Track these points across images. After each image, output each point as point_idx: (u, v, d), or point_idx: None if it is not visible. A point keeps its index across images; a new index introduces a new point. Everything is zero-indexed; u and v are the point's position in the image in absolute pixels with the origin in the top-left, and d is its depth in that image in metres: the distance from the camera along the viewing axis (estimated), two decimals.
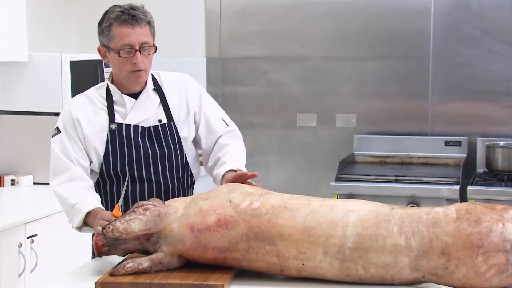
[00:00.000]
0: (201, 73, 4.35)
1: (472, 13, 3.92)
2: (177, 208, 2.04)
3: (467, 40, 3.93)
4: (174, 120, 2.40)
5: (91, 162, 2.34)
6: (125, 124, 2.35)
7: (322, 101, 4.26)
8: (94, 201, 2.24)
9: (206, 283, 1.90)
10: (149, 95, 2.40)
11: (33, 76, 3.59)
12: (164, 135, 2.38)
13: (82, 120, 2.35)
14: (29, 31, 3.70)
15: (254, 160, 4.31)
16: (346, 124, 4.19)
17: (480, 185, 3.52)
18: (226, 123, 2.48)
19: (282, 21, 4.27)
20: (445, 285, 1.86)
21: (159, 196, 2.35)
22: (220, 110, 2.53)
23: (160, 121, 2.39)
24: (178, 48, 4.38)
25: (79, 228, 2.25)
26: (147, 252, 2.04)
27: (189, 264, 2.02)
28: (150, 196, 2.35)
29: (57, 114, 3.57)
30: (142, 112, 2.37)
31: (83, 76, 3.72)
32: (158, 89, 2.42)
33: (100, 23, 2.35)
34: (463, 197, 3.48)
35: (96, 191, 2.35)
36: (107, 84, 2.41)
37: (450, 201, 3.43)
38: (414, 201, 3.49)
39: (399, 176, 3.64)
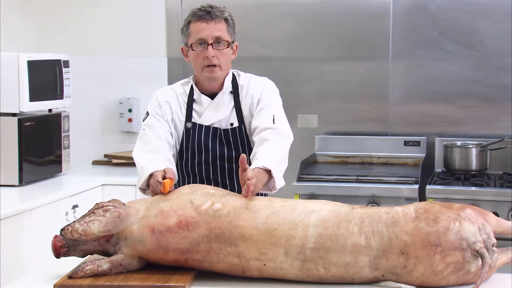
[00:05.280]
0: (162, 73, 4.33)
1: (430, 15, 3.98)
2: (137, 209, 2.03)
3: (425, 42, 3.99)
4: (245, 124, 2.45)
5: (173, 144, 2.44)
6: (199, 124, 2.44)
7: (283, 101, 4.24)
8: (160, 164, 2.25)
9: (167, 284, 1.89)
10: (224, 98, 2.45)
11: None
12: (234, 138, 2.44)
13: (166, 108, 2.45)
14: None
15: None
16: (308, 124, 4.21)
17: (438, 184, 3.58)
18: (273, 120, 2.41)
19: (243, 22, 4.22)
20: (404, 283, 1.88)
21: None
22: (275, 109, 2.45)
23: (231, 124, 2.45)
24: (139, 48, 4.35)
25: (144, 190, 2.31)
26: (107, 254, 2.02)
27: (149, 266, 2.00)
28: None
29: (14, 114, 3.53)
30: (216, 114, 2.44)
31: (41, 76, 3.66)
32: (234, 91, 2.47)
33: (183, 24, 2.45)
34: (422, 196, 3.53)
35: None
36: (192, 83, 2.48)
37: (409, 200, 3.48)
38: (374, 201, 3.53)
39: (360, 176, 3.67)
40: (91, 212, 1.99)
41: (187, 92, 2.48)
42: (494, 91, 3.92)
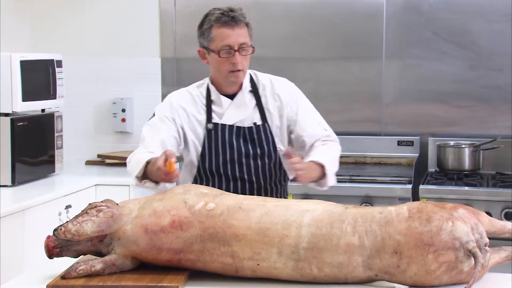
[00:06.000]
0: (155, 74, 4.32)
1: (423, 15, 3.99)
2: (131, 209, 2.03)
3: (419, 42, 4.00)
4: (268, 122, 2.47)
5: (182, 150, 2.46)
6: (221, 124, 2.44)
7: None
8: (156, 154, 2.25)
9: (160, 284, 1.89)
10: (245, 97, 2.47)
11: None
12: (258, 136, 2.45)
13: (181, 111, 2.45)
14: None
15: None
16: None
17: (432, 184, 3.59)
18: (324, 128, 2.53)
19: None
20: (397, 283, 1.89)
21: (251, 194, 2.42)
22: (316, 114, 2.57)
23: (255, 123, 2.46)
24: (133, 48, 4.34)
25: (140, 179, 2.28)
26: (100, 254, 2.01)
27: (143, 266, 2.00)
28: (243, 193, 2.39)
29: (7, 114, 3.52)
30: (238, 113, 2.45)
31: (34, 76, 3.65)
32: (254, 90, 2.48)
33: (200, 26, 2.45)
34: (415, 196, 3.54)
35: None
36: (208, 84, 2.48)
37: (402, 200, 3.48)
38: (367, 201, 3.53)
39: (353, 175, 3.68)
40: (84, 212, 1.99)
41: (204, 94, 2.49)
42: (487, 91, 3.93)
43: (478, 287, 1.87)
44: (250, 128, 2.45)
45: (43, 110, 3.76)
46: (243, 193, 2.41)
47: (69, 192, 3.52)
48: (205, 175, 2.46)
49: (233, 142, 2.43)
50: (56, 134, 3.79)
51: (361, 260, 1.89)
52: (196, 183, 2.47)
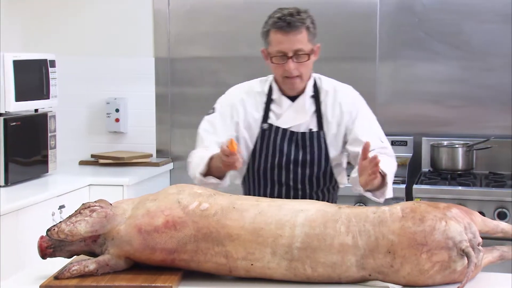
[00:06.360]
0: (149, 74, 4.32)
1: (416, 16, 4.00)
2: (124, 209, 2.02)
3: (412, 42, 4.00)
4: (324, 130, 2.40)
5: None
6: (276, 126, 2.39)
7: None
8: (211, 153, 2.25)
9: (154, 284, 1.89)
10: (305, 102, 2.41)
11: None
12: (311, 143, 2.39)
13: (239, 108, 2.41)
14: None
15: None
16: None
17: (425, 184, 3.60)
18: (380, 140, 2.41)
19: (231, 22, 4.26)
20: (390, 282, 1.89)
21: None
22: (375, 125, 2.47)
23: (310, 129, 2.40)
24: (126, 48, 4.33)
25: (203, 176, 2.27)
26: (93, 254, 2.01)
27: (136, 266, 2.00)
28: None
29: (0, 114, 3.50)
30: (296, 117, 2.39)
31: (27, 75, 3.64)
32: (315, 96, 2.42)
33: (263, 27, 2.41)
34: (408, 196, 3.55)
35: (244, 186, 2.46)
36: (271, 81, 2.44)
37: (396, 199, 3.48)
38: (361, 200, 3.54)
39: (347, 176, 3.68)
40: (78, 212, 1.99)
41: (266, 91, 2.44)
42: (480, 91, 3.94)
43: (471, 286, 1.88)
44: (304, 134, 2.40)
45: (36, 110, 3.75)
46: (288, 198, 2.37)
47: (63, 192, 3.51)
48: (253, 175, 2.43)
49: (284, 147, 2.39)
50: (49, 134, 3.78)
51: (355, 260, 1.89)
52: (245, 182, 2.46)
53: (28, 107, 3.66)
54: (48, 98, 3.80)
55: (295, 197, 2.40)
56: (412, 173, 3.79)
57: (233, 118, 2.41)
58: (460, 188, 3.49)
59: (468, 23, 3.92)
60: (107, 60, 4.36)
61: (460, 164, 3.81)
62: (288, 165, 2.38)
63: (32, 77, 3.69)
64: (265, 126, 2.40)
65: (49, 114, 3.79)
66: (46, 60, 3.79)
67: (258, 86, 2.47)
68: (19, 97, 3.55)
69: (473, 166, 3.84)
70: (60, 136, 3.94)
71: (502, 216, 3.36)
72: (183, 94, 4.32)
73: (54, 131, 3.82)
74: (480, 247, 1.91)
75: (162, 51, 4.31)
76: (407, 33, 4.00)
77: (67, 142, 4.26)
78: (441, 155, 3.84)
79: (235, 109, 2.42)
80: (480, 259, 1.91)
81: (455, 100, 3.98)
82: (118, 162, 4.11)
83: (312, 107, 2.42)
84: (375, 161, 2.03)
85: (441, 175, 3.76)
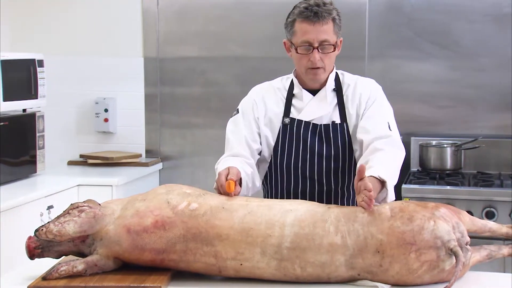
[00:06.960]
0: (138, 73, 4.31)
1: (405, 15, 4.02)
2: (113, 209, 2.02)
3: (401, 42, 4.02)
4: (347, 122, 2.37)
5: (260, 147, 2.40)
6: (298, 119, 2.38)
7: None
8: (232, 163, 2.21)
9: (143, 285, 1.89)
10: (327, 95, 2.39)
11: None
12: (334, 135, 2.36)
13: (260, 104, 2.41)
14: None
15: (193, 161, 4.29)
16: None
17: (414, 183, 3.61)
18: (389, 128, 2.34)
19: (220, 21, 4.26)
20: (379, 282, 1.90)
21: (321, 197, 2.36)
22: (390, 115, 2.40)
23: (333, 121, 2.38)
24: (115, 47, 4.32)
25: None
26: (82, 255, 2.00)
27: (125, 266, 1.99)
28: (312, 195, 2.34)
29: None
30: (317, 110, 2.38)
31: (15, 75, 3.62)
32: (338, 89, 2.41)
33: (287, 18, 2.38)
34: (397, 195, 3.53)
35: (265, 185, 2.43)
36: (292, 77, 2.44)
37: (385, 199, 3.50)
38: None
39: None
40: (66, 212, 1.98)
41: (287, 87, 2.43)
42: (469, 91, 3.96)
43: (459, 285, 1.89)
44: (327, 126, 2.37)
45: (24, 110, 3.73)
46: (312, 195, 2.34)
47: (51, 192, 3.50)
48: (275, 171, 2.40)
49: (307, 140, 2.36)
50: (37, 134, 3.76)
51: (344, 259, 1.89)
52: (267, 180, 2.44)
53: (16, 107, 3.64)
54: (37, 98, 3.78)
55: (320, 192, 2.37)
56: (400, 173, 3.79)
57: (254, 115, 2.41)
58: (448, 187, 3.51)
59: (457, 23, 3.94)
60: (96, 60, 4.34)
61: (448, 163, 3.82)
62: (313, 158, 2.36)
63: (20, 77, 3.68)
64: (287, 120, 2.39)
65: (37, 114, 3.77)
66: (34, 59, 3.77)
67: (279, 83, 2.47)
68: (7, 97, 3.53)
69: (462, 165, 3.85)
70: (49, 136, 3.92)
71: (490, 216, 3.37)
72: (172, 94, 4.31)
73: (43, 131, 3.81)
74: (468, 246, 1.92)
75: (151, 51, 4.30)
76: (396, 33, 4.02)
77: (56, 142, 4.24)
78: (430, 154, 3.86)
79: (255, 106, 2.42)
80: (468, 258, 1.92)
81: (444, 100, 3.99)
82: (107, 162, 4.09)
83: (334, 100, 2.40)
84: (368, 195, 1.93)
85: (430, 174, 3.77)
